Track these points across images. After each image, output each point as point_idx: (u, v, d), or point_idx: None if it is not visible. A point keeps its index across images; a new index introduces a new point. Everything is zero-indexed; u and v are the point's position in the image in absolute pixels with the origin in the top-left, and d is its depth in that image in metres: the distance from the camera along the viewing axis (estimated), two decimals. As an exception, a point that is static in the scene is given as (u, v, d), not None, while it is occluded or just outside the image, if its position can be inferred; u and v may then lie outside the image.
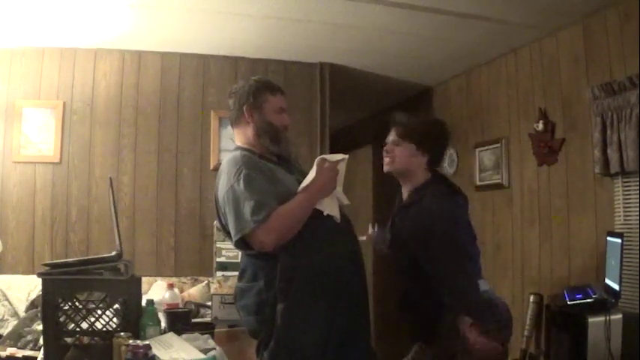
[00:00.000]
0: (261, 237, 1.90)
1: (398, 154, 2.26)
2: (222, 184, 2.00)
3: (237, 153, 2.07)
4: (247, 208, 1.89)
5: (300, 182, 2.03)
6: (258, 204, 1.89)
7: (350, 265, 2.03)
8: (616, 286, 2.77)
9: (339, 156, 2.09)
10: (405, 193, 2.32)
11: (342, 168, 2.08)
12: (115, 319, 2.01)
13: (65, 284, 2.00)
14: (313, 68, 4.46)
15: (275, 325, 1.93)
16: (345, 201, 2.11)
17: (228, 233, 2.02)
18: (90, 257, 2.35)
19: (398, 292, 2.34)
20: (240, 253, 2.20)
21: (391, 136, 2.30)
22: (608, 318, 2.61)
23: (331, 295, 1.95)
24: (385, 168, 2.30)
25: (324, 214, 2.00)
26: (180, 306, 2.96)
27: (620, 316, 2.66)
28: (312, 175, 2.02)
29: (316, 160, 2.05)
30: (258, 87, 2.14)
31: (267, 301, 1.95)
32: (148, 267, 3.90)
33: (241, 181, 1.93)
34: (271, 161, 2.09)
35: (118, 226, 2.42)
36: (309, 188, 2.00)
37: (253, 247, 1.94)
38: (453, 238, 2.12)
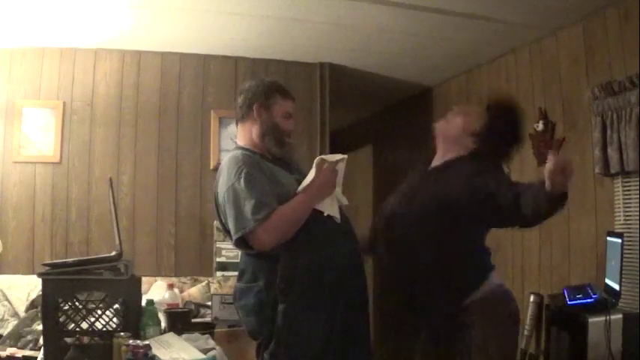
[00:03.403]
0: (261, 236, 1.90)
1: (467, 124, 2.15)
2: (223, 182, 2.00)
3: (238, 152, 2.07)
4: (248, 207, 1.90)
5: (299, 183, 2.03)
6: (258, 203, 1.89)
7: (350, 266, 2.03)
8: (616, 286, 2.77)
9: (338, 156, 2.09)
10: (439, 159, 2.18)
11: (341, 168, 2.08)
12: (115, 319, 2.02)
13: (65, 284, 2.00)
14: (313, 68, 4.46)
15: (275, 326, 1.93)
16: (345, 201, 2.11)
17: (227, 232, 2.02)
18: (90, 257, 2.35)
19: (414, 269, 2.10)
20: (240, 253, 2.20)
21: (470, 111, 2.21)
22: (608, 318, 2.61)
23: (331, 296, 1.95)
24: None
25: (324, 214, 2.01)
26: (180, 306, 2.97)
27: (620, 316, 2.66)
28: (311, 175, 2.02)
29: (315, 161, 2.05)
30: (271, 88, 2.14)
31: (267, 302, 1.95)
32: (148, 267, 3.90)
33: (242, 180, 1.93)
34: (271, 162, 2.09)
35: (118, 226, 2.42)
36: (309, 189, 2.00)
37: (253, 246, 1.94)
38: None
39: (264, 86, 2.14)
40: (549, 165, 1.68)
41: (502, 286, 2.14)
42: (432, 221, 2.04)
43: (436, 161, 2.21)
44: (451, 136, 2.16)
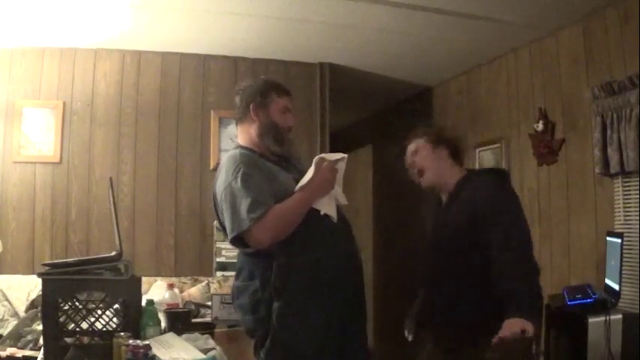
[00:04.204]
0: (257, 235, 1.91)
1: (421, 162, 2.21)
2: (221, 181, 2.02)
3: (237, 151, 2.07)
4: (244, 205, 1.90)
5: (298, 182, 2.03)
6: (254, 202, 1.90)
7: (346, 265, 2.04)
8: (616, 286, 2.77)
9: (338, 155, 2.09)
10: (445, 196, 2.21)
11: (341, 167, 2.08)
12: (115, 319, 2.02)
13: (65, 284, 2.00)
14: (313, 68, 4.46)
15: (270, 324, 1.93)
16: (344, 201, 2.11)
17: (225, 231, 2.03)
18: (90, 257, 2.35)
19: (429, 295, 2.19)
20: (238, 252, 2.20)
21: (409, 148, 2.26)
22: (608, 318, 2.61)
23: (326, 295, 1.96)
24: (422, 185, 2.23)
25: (321, 213, 2.01)
26: (180, 306, 2.97)
27: (620, 316, 2.66)
28: (310, 174, 2.02)
29: (315, 159, 2.05)
30: (267, 87, 2.15)
31: (263, 300, 1.95)
32: (148, 267, 3.90)
33: (239, 179, 1.94)
34: (271, 160, 2.10)
35: (118, 226, 2.42)
36: (307, 187, 2.00)
37: (249, 244, 1.95)
38: (519, 220, 2.04)
39: (258, 86, 2.15)
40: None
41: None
42: (458, 247, 2.07)
43: (444, 193, 2.22)
44: (435, 179, 2.20)
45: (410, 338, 2.27)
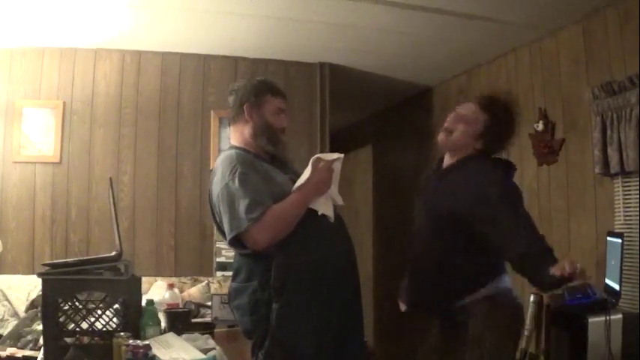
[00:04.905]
0: (255, 235, 1.90)
1: (467, 127, 2.21)
2: (217, 182, 2.02)
3: (232, 152, 2.07)
4: (242, 206, 1.90)
5: (294, 182, 2.03)
6: (253, 202, 1.90)
7: (343, 265, 2.04)
8: (616, 286, 2.77)
9: (334, 155, 2.09)
10: (451, 160, 2.26)
11: (337, 167, 2.08)
12: (115, 319, 2.02)
13: (65, 284, 2.00)
14: (313, 68, 4.46)
15: (270, 325, 1.93)
16: (340, 201, 2.11)
17: (222, 232, 2.03)
18: (90, 257, 2.35)
19: (421, 264, 2.26)
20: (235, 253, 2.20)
21: (472, 107, 2.25)
22: (608, 318, 2.60)
23: (325, 295, 1.96)
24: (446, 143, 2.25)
25: (319, 213, 2.01)
26: (180, 306, 2.97)
27: (620, 316, 2.66)
28: (307, 174, 2.03)
29: (311, 160, 2.06)
30: (261, 87, 2.14)
31: (262, 301, 1.95)
32: (148, 267, 3.90)
33: (236, 180, 1.94)
34: (266, 161, 2.10)
35: (117, 226, 2.43)
36: (304, 187, 2.00)
37: (247, 245, 1.95)
38: (517, 198, 2.13)
39: (252, 86, 2.14)
40: (567, 267, 1.98)
41: (508, 290, 2.25)
42: (438, 222, 2.17)
43: (448, 160, 2.28)
44: (457, 145, 2.24)
45: (403, 309, 2.39)
